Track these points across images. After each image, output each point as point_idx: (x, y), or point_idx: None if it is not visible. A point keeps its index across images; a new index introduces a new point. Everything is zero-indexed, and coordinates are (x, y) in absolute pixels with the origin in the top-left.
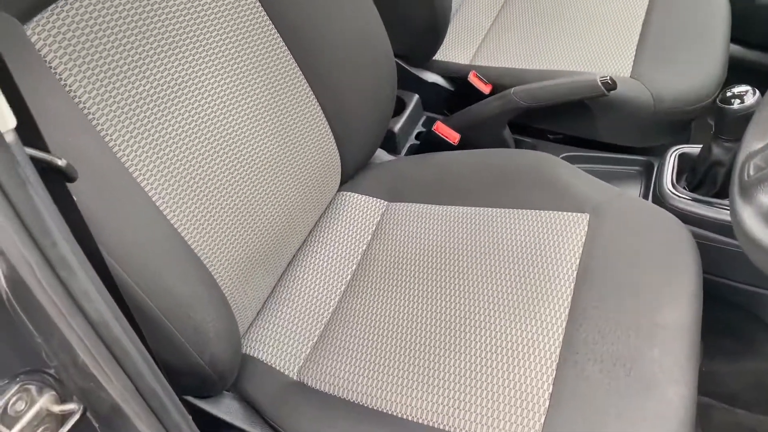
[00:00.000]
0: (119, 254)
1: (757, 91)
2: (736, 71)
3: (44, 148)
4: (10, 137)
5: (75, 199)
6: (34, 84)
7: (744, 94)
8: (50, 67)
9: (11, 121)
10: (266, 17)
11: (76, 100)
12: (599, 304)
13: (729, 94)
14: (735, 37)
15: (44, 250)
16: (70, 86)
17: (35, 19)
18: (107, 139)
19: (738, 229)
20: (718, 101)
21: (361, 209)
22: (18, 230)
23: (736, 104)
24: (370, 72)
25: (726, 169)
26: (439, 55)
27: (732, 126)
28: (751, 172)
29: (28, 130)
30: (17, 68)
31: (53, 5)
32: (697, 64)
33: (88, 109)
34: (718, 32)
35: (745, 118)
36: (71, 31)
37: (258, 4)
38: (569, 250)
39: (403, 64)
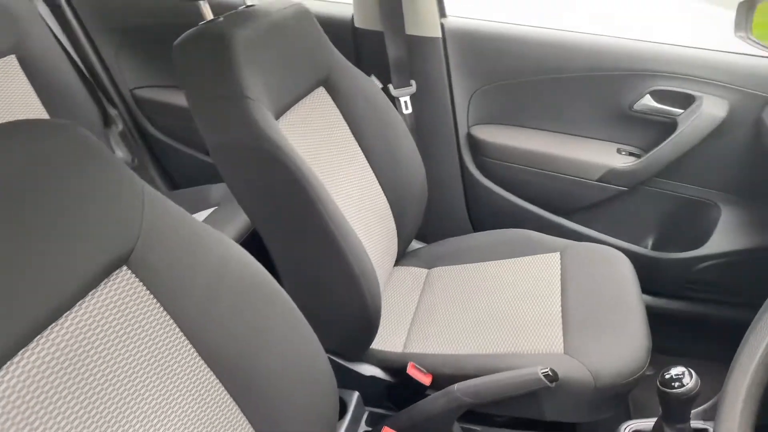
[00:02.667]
0: None
1: (693, 372)
2: (656, 322)
3: None
4: None
5: None
6: None
7: (681, 377)
8: None
9: None
10: (198, 357)
11: None
12: None
13: (667, 376)
14: (646, 289)
15: None
16: None
17: None
18: None
19: None
20: (658, 383)
21: None
22: None
23: (677, 387)
24: (308, 392)
25: None
26: (374, 344)
27: (678, 409)
28: None
29: None
30: None
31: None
32: (623, 335)
33: None
34: (633, 297)
35: (689, 400)
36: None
37: (190, 347)
38: None
39: (339, 361)
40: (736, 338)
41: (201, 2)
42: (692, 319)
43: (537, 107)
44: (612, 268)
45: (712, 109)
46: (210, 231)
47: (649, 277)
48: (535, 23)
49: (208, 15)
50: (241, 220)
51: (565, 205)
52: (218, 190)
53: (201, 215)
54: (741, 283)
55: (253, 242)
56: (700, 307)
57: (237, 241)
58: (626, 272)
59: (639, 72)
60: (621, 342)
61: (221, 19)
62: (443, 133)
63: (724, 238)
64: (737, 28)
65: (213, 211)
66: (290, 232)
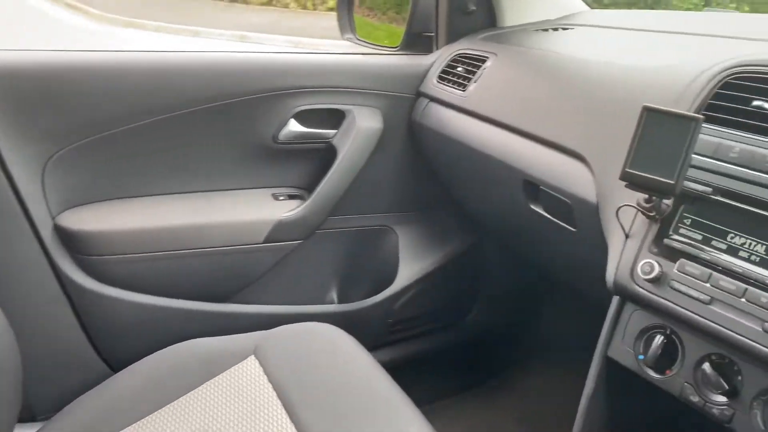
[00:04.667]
0: None
1: None
2: None
3: None
4: None
5: None
6: None
7: None
8: None
9: None
10: None
11: None
12: None
13: None
14: None
15: None
16: None
17: None
18: None
19: None
20: None
21: None
22: None
23: None
24: None
25: None
26: None
27: None
28: None
29: None
30: None
31: None
32: None
33: None
34: (382, 384)
35: None
36: None
37: None
38: None
39: None
40: (455, 366)
41: None
42: (406, 363)
43: (149, 164)
44: (331, 351)
45: (366, 121)
46: None
47: (353, 333)
48: (116, 47)
49: None
50: None
51: (231, 285)
52: None
53: None
54: (440, 305)
55: None
56: (408, 347)
57: None
58: (350, 349)
59: (275, 92)
60: None
61: None
62: (9, 238)
63: (410, 265)
64: (343, 30)
65: None
66: None
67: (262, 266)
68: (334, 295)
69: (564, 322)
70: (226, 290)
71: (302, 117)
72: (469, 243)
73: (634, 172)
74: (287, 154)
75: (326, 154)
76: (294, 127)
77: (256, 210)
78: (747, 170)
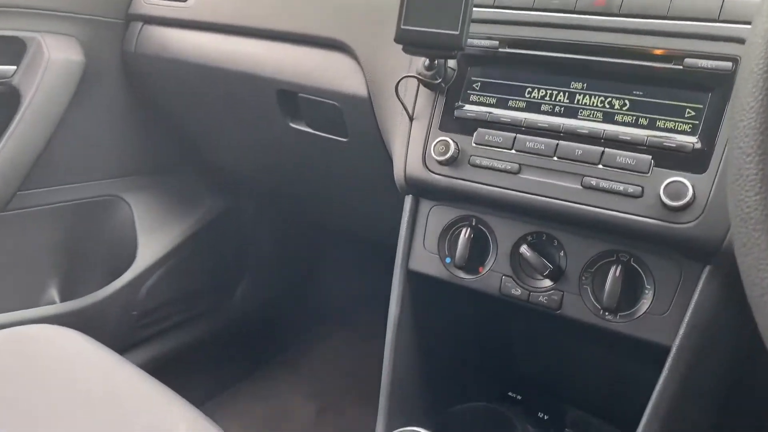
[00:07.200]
0: None
1: None
2: None
3: None
4: None
5: None
6: None
7: None
8: None
9: None
10: None
11: None
12: None
13: None
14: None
15: None
16: None
17: None
18: None
19: None
20: None
21: None
22: None
23: None
24: None
25: None
26: None
27: None
28: None
29: None
30: None
31: None
32: None
33: None
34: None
35: None
36: None
37: None
38: None
39: None
40: (229, 355)
41: None
42: (166, 363)
43: None
44: (62, 357)
45: (60, 53)
46: None
47: (97, 328)
48: None
49: None
50: None
51: None
52: None
53: None
54: (198, 285)
55: None
56: (165, 342)
57: None
58: (90, 352)
59: None
60: None
61: None
62: None
63: (152, 240)
64: None
65: None
66: None
67: None
68: (54, 293)
69: (352, 271)
70: None
71: None
72: (224, 204)
73: (410, 28)
74: None
75: (5, 101)
76: None
77: None
78: (531, 12)
